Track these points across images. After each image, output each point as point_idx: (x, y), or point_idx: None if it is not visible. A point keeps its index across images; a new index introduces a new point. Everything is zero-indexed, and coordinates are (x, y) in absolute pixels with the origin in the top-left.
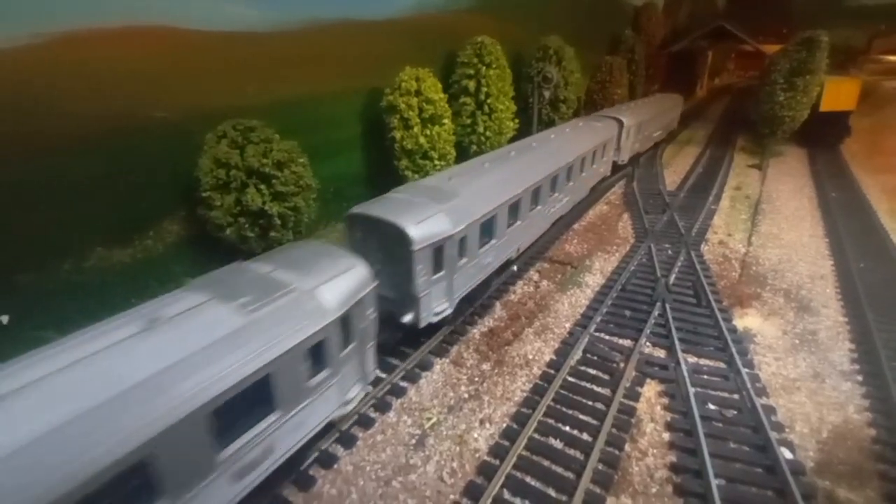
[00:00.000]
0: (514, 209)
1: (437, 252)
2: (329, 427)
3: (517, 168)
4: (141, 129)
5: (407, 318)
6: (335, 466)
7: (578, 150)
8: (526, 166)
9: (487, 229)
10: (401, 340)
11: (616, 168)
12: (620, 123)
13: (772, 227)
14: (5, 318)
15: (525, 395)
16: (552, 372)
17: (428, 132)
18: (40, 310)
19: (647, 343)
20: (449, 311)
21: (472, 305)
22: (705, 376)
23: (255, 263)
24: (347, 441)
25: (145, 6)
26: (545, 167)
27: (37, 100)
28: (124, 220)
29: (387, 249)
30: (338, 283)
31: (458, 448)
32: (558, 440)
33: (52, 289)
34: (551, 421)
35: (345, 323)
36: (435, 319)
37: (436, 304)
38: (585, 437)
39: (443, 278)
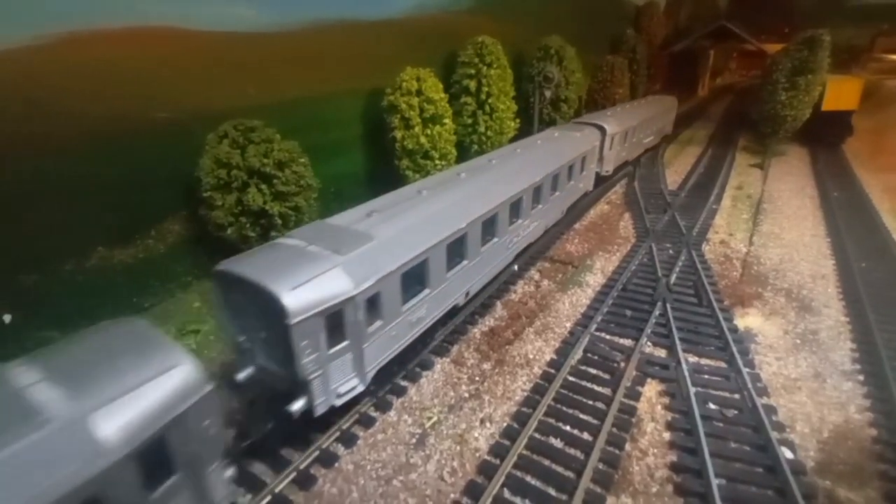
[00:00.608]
0: (457, 247)
1: (333, 319)
2: (328, 426)
3: (465, 194)
4: (143, 129)
5: (296, 406)
6: (336, 465)
7: (550, 166)
8: (477, 191)
9: (416, 278)
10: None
11: (600, 180)
12: (603, 131)
13: (773, 227)
14: (8, 318)
15: (526, 394)
16: (553, 371)
17: (429, 132)
18: (43, 309)
19: (648, 342)
20: (360, 388)
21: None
22: (706, 376)
23: (18, 368)
24: (348, 440)
25: (146, 7)
26: (504, 190)
27: (39, 100)
28: (126, 220)
29: (263, 319)
30: (137, 398)
31: (458, 447)
32: (559, 439)
33: (54, 288)
34: (552, 420)
35: (150, 455)
36: (339, 402)
37: (338, 384)
38: (586, 436)
39: (346, 349)
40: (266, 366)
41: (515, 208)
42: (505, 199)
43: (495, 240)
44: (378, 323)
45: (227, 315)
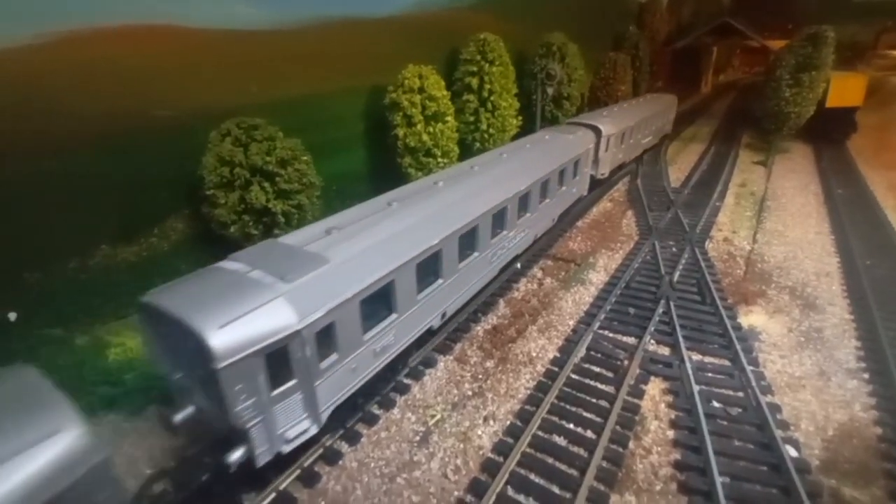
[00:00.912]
0: (429, 266)
1: (275, 358)
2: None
3: (440, 205)
4: (145, 127)
5: (234, 456)
6: (340, 463)
7: (539, 172)
8: (454, 202)
9: (381, 302)
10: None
11: (595, 183)
12: (598, 132)
13: (777, 224)
14: (13, 316)
15: (529, 392)
16: (556, 369)
17: (431, 129)
18: (47, 307)
19: (652, 340)
20: (314, 430)
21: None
22: (710, 374)
23: None
24: (352, 438)
25: (147, 5)
26: (486, 199)
27: (40, 99)
28: (129, 219)
29: (190, 358)
30: (3, 474)
31: (462, 445)
32: (562, 437)
33: (58, 287)
34: (555, 418)
35: None
36: (287, 448)
37: (286, 427)
38: (589, 434)
39: (294, 389)
40: (205, 407)
41: (499, 219)
42: (486, 209)
43: (476, 255)
44: (333, 357)
45: (159, 351)
